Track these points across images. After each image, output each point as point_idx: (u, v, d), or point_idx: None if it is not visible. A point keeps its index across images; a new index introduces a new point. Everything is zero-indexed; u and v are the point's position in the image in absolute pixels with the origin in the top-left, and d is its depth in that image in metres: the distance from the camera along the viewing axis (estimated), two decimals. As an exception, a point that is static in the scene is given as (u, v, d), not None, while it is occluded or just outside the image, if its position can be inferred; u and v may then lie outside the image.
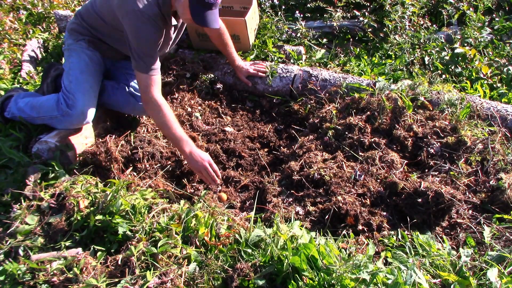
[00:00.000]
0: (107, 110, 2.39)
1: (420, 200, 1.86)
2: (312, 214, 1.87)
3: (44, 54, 3.06)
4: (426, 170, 2.07)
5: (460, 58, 2.85)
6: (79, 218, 1.69)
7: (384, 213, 1.88)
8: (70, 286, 1.44)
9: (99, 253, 1.57)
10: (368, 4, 3.41)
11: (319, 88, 2.54)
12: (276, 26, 3.10)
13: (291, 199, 1.98)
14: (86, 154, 2.15)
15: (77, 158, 2.12)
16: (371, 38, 3.22)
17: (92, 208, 1.72)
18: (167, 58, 2.83)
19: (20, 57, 2.93)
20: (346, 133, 2.23)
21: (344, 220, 1.83)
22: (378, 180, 1.99)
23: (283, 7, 3.34)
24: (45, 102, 2.16)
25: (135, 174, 2.14)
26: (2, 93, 2.48)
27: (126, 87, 2.29)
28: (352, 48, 3.11)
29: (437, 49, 2.97)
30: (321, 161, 2.11)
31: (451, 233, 1.86)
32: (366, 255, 1.52)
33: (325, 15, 3.34)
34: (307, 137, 2.32)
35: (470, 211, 1.92)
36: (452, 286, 1.42)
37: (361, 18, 3.29)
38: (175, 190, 2.08)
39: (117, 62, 2.40)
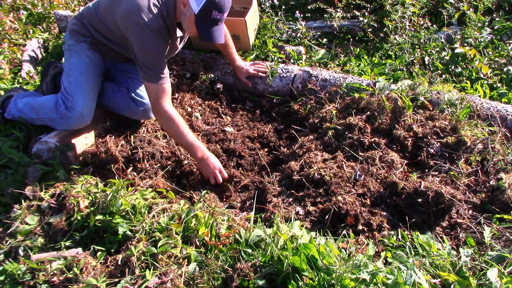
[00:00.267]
0: (107, 110, 2.39)
1: (420, 200, 1.86)
2: (312, 214, 1.87)
3: (44, 54, 3.06)
4: (426, 170, 2.07)
5: (460, 58, 2.85)
6: (79, 218, 1.69)
7: (384, 213, 1.88)
8: (70, 286, 1.44)
9: (99, 253, 1.57)
10: (368, 4, 3.41)
11: (319, 88, 2.54)
12: (276, 26, 3.10)
13: (291, 199, 1.98)
14: (86, 154, 2.15)
15: (77, 158, 2.12)
16: (371, 38, 3.23)
17: (92, 208, 1.72)
18: (167, 58, 2.83)
19: (20, 57, 2.93)
20: (346, 133, 2.23)
21: (344, 220, 1.83)
22: (378, 180, 1.99)
23: (283, 7, 3.34)
24: (44, 103, 2.15)
25: (135, 174, 2.14)
26: (2, 93, 2.48)
27: (127, 91, 2.29)
28: (352, 48, 3.12)
29: (437, 49, 2.97)
30: (321, 161, 2.11)
31: (451, 233, 1.86)
32: (366, 255, 1.52)
33: (325, 15, 3.34)
34: (307, 137, 2.32)
35: (470, 211, 1.92)
36: (452, 286, 1.42)
37: (361, 18, 3.29)
38: (175, 190, 2.08)
39: (117, 64, 2.40)
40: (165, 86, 2.04)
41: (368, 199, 1.90)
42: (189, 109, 2.57)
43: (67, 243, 1.63)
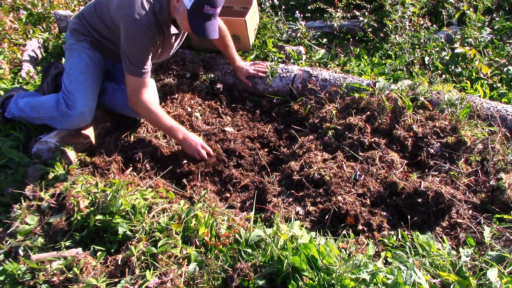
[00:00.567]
0: (107, 110, 2.39)
1: (420, 200, 1.86)
2: (312, 214, 1.87)
3: (44, 54, 3.06)
4: (426, 170, 2.07)
5: (460, 58, 2.85)
6: (79, 218, 1.69)
7: (384, 213, 1.88)
8: (70, 286, 1.44)
9: (99, 253, 1.57)
10: (368, 4, 3.41)
11: (319, 88, 2.54)
12: (276, 26, 3.10)
13: (291, 199, 1.98)
14: (86, 154, 2.15)
15: (77, 158, 2.12)
16: (371, 38, 3.23)
17: (92, 208, 1.72)
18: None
19: (20, 57, 2.93)
20: (346, 133, 2.23)
21: (344, 220, 1.83)
22: (378, 180, 1.99)
23: (283, 7, 3.34)
24: (45, 102, 2.16)
25: (135, 174, 2.14)
26: (2, 93, 2.48)
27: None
28: (352, 48, 3.11)
29: (437, 49, 2.97)
30: (321, 161, 2.11)
31: (451, 233, 1.86)
32: (366, 255, 1.52)
33: (325, 15, 3.34)
34: (307, 137, 2.32)
35: (470, 211, 1.92)
36: (452, 286, 1.42)
37: (361, 18, 3.29)
38: (175, 190, 2.08)
39: (117, 64, 2.40)
40: (145, 81, 2.08)
41: (368, 199, 1.90)
42: (189, 109, 2.57)
43: (67, 243, 1.63)
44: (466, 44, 2.99)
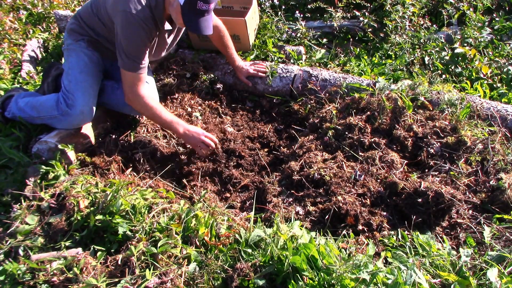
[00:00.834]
0: (107, 110, 2.39)
1: (420, 200, 1.86)
2: (312, 214, 1.87)
3: (44, 54, 3.06)
4: (426, 170, 2.07)
5: (460, 58, 2.85)
6: (79, 218, 1.69)
7: (384, 213, 1.88)
8: (70, 286, 1.44)
9: (99, 253, 1.57)
10: (368, 4, 3.41)
11: (319, 88, 2.54)
12: (276, 26, 3.10)
13: (291, 199, 1.98)
14: (86, 154, 2.15)
15: (77, 158, 2.12)
16: (371, 38, 3.23)
17: (92, 208, 1.72)
18: (167, 58, 2.83)
19: (20, 57, 2.93)
20: (346, 133, 2.23)
21: (344, 220, 1.83)
22: (378, 180, 1.99)
23: (283, 7, 3.34)
24: (45, 102, 2.16)
25: (135, 174, 2.14)
26: (2, 93, 2.48)
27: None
28: (352, 48, 3.11)
29: (437, 49, 2.97)
30: (321, 161, 2.11)
31: (451, 233, 1.86)
32: (366, 255, 1.52)
33: (325, 15, 3.34)
34: (307, 137, 2.32)
35: (470, 211, 1.92)
36: (452, 286, 1.42)
37: (361, 18, 3.29)
38: (175, 190, 2.08)
39: (116, 63, 2.40)
40: (142, 76, 2.08)
41: (368, 199, 1.90)
42: (189, 109, 2.57)
43: (67, 243, 1.63)
44: (466, 44, 2.99)
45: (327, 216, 1.83)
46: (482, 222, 1.85)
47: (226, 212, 1.80)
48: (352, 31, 3.33)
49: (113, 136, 2.30)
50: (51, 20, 3.37)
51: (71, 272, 1.47)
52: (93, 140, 2.26)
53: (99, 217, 1.66)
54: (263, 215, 1.90)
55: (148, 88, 2.23)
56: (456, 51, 2.83)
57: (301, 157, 2.17)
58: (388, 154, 2.09)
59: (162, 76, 2.71)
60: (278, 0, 3.30)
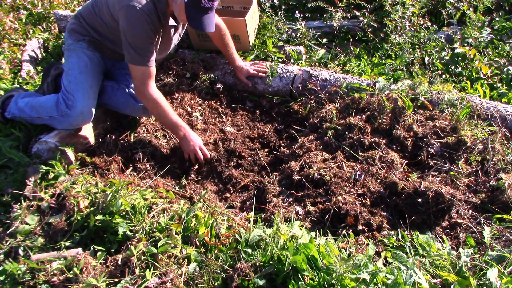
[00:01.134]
0: (107, 110, 2.39)
1: (420, 200, 1.86)
2: (312, 214, 1.87)
3: (44, 54, 3.06)
4: (426, 170, 2.07)
5: (460, 58, 2.85)
6: (79, 218, 1.69)
7: (384, 213, 1.88)
8: (70, 286, 1.44)
9: (99, 253, 1.57)
10: (368, 4, 3.41)
11: (319, 88, 2.54)
12: (276, 26, 3.10)
13: (291, 199, 1.98)
14: (86, 154, 2.15)
15: (77, 158, 2.12)
16: (371, 38, 3.22)
17: (92, 208, 1.72)
18: (167, 58, 2.83)
19: (20, 57, 2.93)
20: (346, 133, 2.23)
21: (344, 220, 1.83)
22: (378, 180, 1.99)
23: (283, 7, 3.34)
24: (44, 102, 2.16)
25: (135, 174, 2.14)
26: (2, 93, 2.48)
27: (126, 88, 2.29)
28: (352, 48, 3.11)
29: (437, 49, 2.97)
30: (321, 161, 2.11)
31: (451, 233, 1.86)
32: (366, 255, 1.52)
33: (325, 15, 3.34)
34: (307, 137, 2.32)
35: (470, 211, 1.92)
36: (452, 286, 1.42)
37: (361, 18, 3.29)
38: (175, 190, 2.08)
39: (117, 63, 2.41)
40: (151, 69, 2.08)
41: (368, 199, 1.90)
42: (189, 109, 2.57)
43: (67, 243, 1.63)
44: (466, 44, 2.99)
45: (327, 216, 1.83)
46: (482, 222, 1.85)
47: (226, 212, 1.80)
48: (352, 31, 3.33)
49: (113, 136, 2.30)
50: (51, 20, 3.37)
51: (71, 272, 1.47)
52: (93, 140, 2.26)
53: (99, 217, 1.66)
54: (263, 215, 1.90)
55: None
56: (456, 51, 2.83)
57: (301, 157, 2.17)
58: (388, 154, 2.09)
59: (162, 76, 2.71)
60: (278, 0, 3.30)
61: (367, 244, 1.69)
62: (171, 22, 2.16)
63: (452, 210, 1.87)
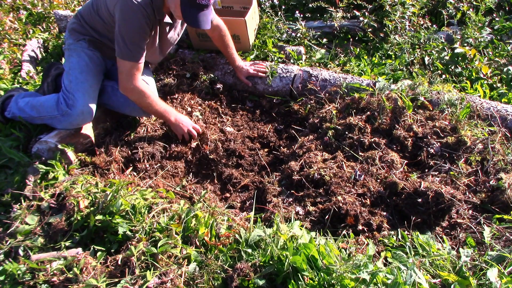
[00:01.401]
0: (107, 110, 2.39)
1: (420, 200, 1.86)
2: (312, 214, 1.87)
3: (44, 54, 3.06)
4: (426, 170, 2.07)
5: (460, 58, 2.85)
6: (79, 218, 1.69)
7: (384, 213, 1.88)
8: (70, 286, 1.44)
9: (99, 253, 1.57)
10: (368, 4, 3.41)
11: (319, 88, 2.54)
12: (276, 26, 3.10)
13: (291, 199, 1.98)
14: (86, 154, 2.15)
15: (77, 158, 2.12)
16: (371, 38, 3.22)
17: (92, 208, 1.72)
18: (167, 58, 2.83)
19: (20, 57, 2.93)
20: (346, 133, 2.23)
21: (344, 220, 1.83)
22: (378, 180, 1.99)
23: (283, 7, 3.34)
24: (45, 102, 2.16)
25: (135, 174, 2.14)
26: (2, 93, 2.48)
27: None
28: (352, 48, 3.11)
29: (437, 49, 2.97)
30: (321, 161, 2.11)
31: (451, 233, 1.86)
32: (366, 255, 1.52)
33: (325, 15, 3.34)
34: (307, 137, 2.32)
35: (470, 211, 1.92)
36: (452, 286, 1.42)
37: (361, 18, 3.29)
38: (175, 190, 2.08)
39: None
40: (140, 66, 2.09)
41: (368, 199, 1.90)
42: (189, 109, 2.57)
43: (67, 243, 1.63)
44: (466, 44, 2.99)
45: (327, 216, 1.83)
46: (482, 222, 1.85)
47: (226, 212, 1.80)
48: (352, 31, 3.33)
49: (113, 136, 2.30)
50: (51, 20, 3.37)
51: (71, 272, 1.47)
52: (93, 140, 2.26)
53: (99, 217, 1.66)
54: (263, 215, 1.90)
55: (149, 86, 2.23)
56: (456, 51, 2.83)
57: (301, 157, 2.17)
58: (388, 154, 2.09)
59: (162, 76, 2.71)
60: (278, 0, 3.30)
61: (367, 244, 1.69)
62: (167, 19, 2.16)
63: (452, 210, 1.87)
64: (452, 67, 2.84)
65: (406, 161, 2.10)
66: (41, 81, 2.48)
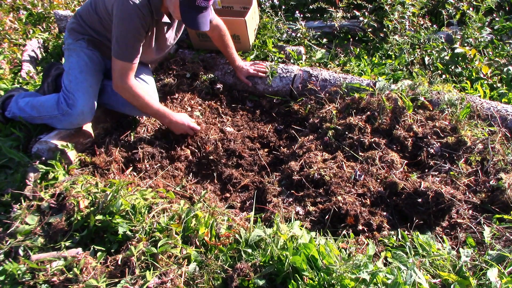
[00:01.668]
0: (107, 110, 2.39)
1: (420, 200, 1.86)
2: (312, 214, 1.87)
3: (44, 54, 3.06)
4: (426, 170, 2.07)
5: (460, 58, 2.85)
6: (79, 218, 1.69)
7: (384, 213, 1.88)
8: (70, 286, 1.44)
9: (99, 253, 1.57)
10: (368, 4, 3.41)
11: (319, 88, 2.54)
12: (276, 26, 3.10)
13: (291, 199, 1.98)
14: (86, 154, 2.15)
15: (77, 158, 2.12)
16: (371, 38, 3.22)
17: (92, 208, 1.72)
18: (167, 58, 2.83)
19: (20, 57, 2.93)
20: (346, 133, 2.23)
21: (344, 220, 1.83)
22: (378, 180, 1.99)
23: (283, 7, 3.34)
24: (45, 101, 2.16)
25: (135, 174, 2.14)
26: (2, 93, 2.48)
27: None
28: (352, 48, 3.11)
29: (437, 49, 2.97)
30: (321, 161, 2.11)
31: (451, 233, 1.86)
32: (366, 255, 1.52)
33: (325, 15, 3.34)
34: (307, 137, 2.32)
35: (470, 211, 1.92)
36: (452, 286, 1.42)
37: (361, 18, 3.29)
38: (175, 190, 2.08)
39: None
40: (134, 66, 2.09)
41: (368, 199, 1.90)
42: (189, 109, 2.57)
43: (67, 243, 1.63)
44: (466, 44, 2.99)
45: (327, 216, 1.83)
46: (482, 222, 1.85)
47: (226, 212, 1.80)
48: (352, 31, 3.33)
49: (113, 136, 2.30)
50: (51, 20, 3.37)
51: (71, 272, 1.47)
52: (93, 140, 2.25)
53: (99, 217, 1.66)
54: (263, 215, 1.90)
55: (149, 88, 2.23)
56: (456, 51, 2.83)
57: (301, 157, 2.17)
58: (388, 154, 2.09)
59: (162, 76, 2.71)
60: (278, 0, 3.30)
61: (367, 244, 1.69)
62: (165, 19, 2.16)
63: (452, 210, 1.87)
64: (452, 67, 2.84)
65: (406, 161, 2.10)
66: (41, 81, 2.48)
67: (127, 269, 1.48)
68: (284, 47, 2.94)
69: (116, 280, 1.46)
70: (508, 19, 3.25)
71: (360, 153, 2.13)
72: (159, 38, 2.27)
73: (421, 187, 1.88)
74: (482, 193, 1.98)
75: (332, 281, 1.36)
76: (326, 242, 1.53)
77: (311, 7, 3.45)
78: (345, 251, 1.60)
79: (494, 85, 2.71)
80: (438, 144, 2.13)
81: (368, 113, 2.28)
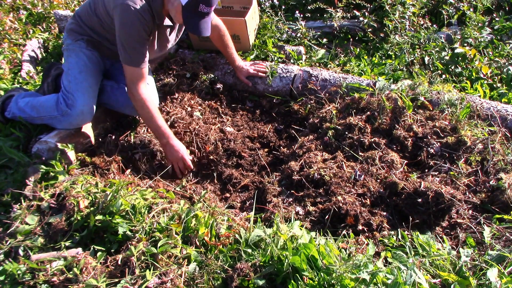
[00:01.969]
0: (107, 110, 2.39)
1: (420, 200, 1.86)
2: (312, 214, 1.87)
3: (44, 54, 3.06)
4: (426, 170, 2.07)
5: (460, 58, 2.85)
6: (79, 218, 1.69)
7: (384, 213, 1.88)
8: (70, 286, 1.44)
9: (99, 253, 1.57)
10: (368, 4, 3.41)
11: (319, 88, 2.54)
12: (276, 26, 3.10)
13: (291, 199, 1.98)
14: (86, 154, 2.15)
15: (77, 158, 2.12)
16: (371, 38, 3.22)
17: (92, 208, 1.72)
18: (167, 58, 2.83)
19: (20, 57, 2.93)
20: (346, 133, 2.23)
21: (344, 220, 1.83)
22: (378, 180, 1.99)
23: (283, 7, 3.34)
24: (45, 102, 2.16)
25: (135, 174, 2.14)
26: (2, 93, 2.48)
27: (126, 88, 2.30)
28: (352, 48, 3.11)
29: (437, 49, 2.97)
30: (321, 161, 2.11)
31: (451, 233, 1.86)
32: (366, 255, 1.52)
33: (325, 15, 3.34)
34: (307, 137, 2.32)
35: (470, 211, 1.92)
36: (452, 286, 1.42)
37: (361, 18, 3.29)
38: (175, 190, 2.08)
39: (116, 62, 2.41)
40: (143, 71, 2.08)
41: (368, 199, 1.90)
42: (189, 109, 2.56)
43: (67, 243, 1.63)
44: (466, 44, 2.99)
45: (327, 216, 1.83)
46: (482, 222, 1.85)
47: (226, 212, 1.80)
48: (352, 31, 3.33)
49: (113, 136, 2.30)
50: (51, 20, 3.37)
51: (71, 272, 1.47)
52: (93, 140, 2.26)
53: (99, 217, 1.66)
54: (263, 215, 1.90)
55: (149, 89, 2.23)
56: (456, 51, 2.83)
57: (301, 157, 2.17)
58: (388, 154, 2.09)
59: (162, 76, 2.71)
60: (278, 0, 3.30)
61: (367, 244, 1.69)
62: (167, 22, 2.16)
63: (452, 210, 1.87)
64: (452, 67, 2.84)
65: (406, 161, 2.10)
66: (41, 81, 2.48)
67: (127, 269, 1.48)
68: (284, 47, 2.94)
69: (116, 280, 1.45)
70: (508, 19, 3.25)
71: (360, 153, 2.13)
72: (161, 39, 2.27)
73: (421, 187, 1.88)
74: (482, 193, 1.98)
75: (332, 281, 1.36)
76: (326, 242, 1.53)
77: (310, 7, 3.45)
78: (345, 251, 1.60)
79: (494, 85, 2.71)
80: (438, 144, 2.13)
81: (368, 113, 2.28)
